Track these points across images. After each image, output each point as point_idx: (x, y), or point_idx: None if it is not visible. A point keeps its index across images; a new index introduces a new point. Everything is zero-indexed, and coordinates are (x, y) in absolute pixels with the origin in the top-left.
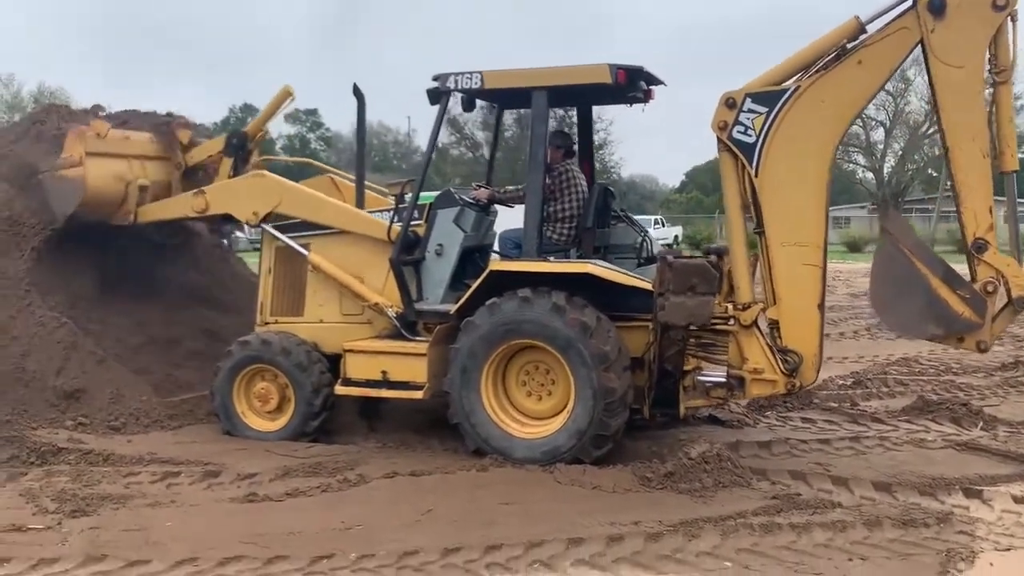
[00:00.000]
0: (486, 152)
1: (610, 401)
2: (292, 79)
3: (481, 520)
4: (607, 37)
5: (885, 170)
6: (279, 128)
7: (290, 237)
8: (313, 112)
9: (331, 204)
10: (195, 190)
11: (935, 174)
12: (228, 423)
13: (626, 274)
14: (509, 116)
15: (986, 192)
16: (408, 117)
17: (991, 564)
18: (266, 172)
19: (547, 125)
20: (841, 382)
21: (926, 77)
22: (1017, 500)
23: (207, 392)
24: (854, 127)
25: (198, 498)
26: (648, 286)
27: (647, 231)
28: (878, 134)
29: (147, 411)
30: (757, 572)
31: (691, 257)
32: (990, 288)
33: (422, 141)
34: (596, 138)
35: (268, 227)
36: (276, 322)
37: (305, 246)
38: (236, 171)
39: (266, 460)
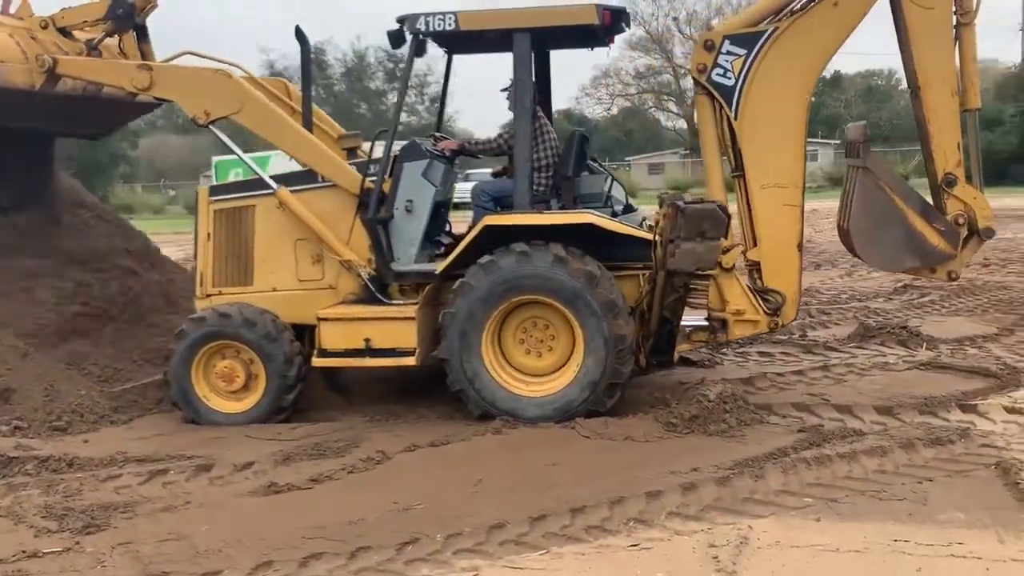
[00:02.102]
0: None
1: (621, 348)
2: None
3: (538, 484)
4: None
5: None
6: None
7: (234, 197)
8: None
9: (299, 133)
10: (140, 62)
11: None
12: (190, 410)
13: (623, 223)
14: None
15: (954, 129)
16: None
17: None
18: (231, 73)
19: (531, 70)
20: None
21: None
22: (1009, 411)
23: (153, 378)
24: (665, 76)
25: (212, 496)
26: (646, 235)
27: (613, 179)
28: (688, 82)
29: (90, 406)
30: (846, 504)
31: (701, 202)
32: (960, 220)
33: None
34: (429, 92)
35: (217, 131)
36: (220, 294)
37: (252, 207)
38: (144, 55)
39: (255, 446)
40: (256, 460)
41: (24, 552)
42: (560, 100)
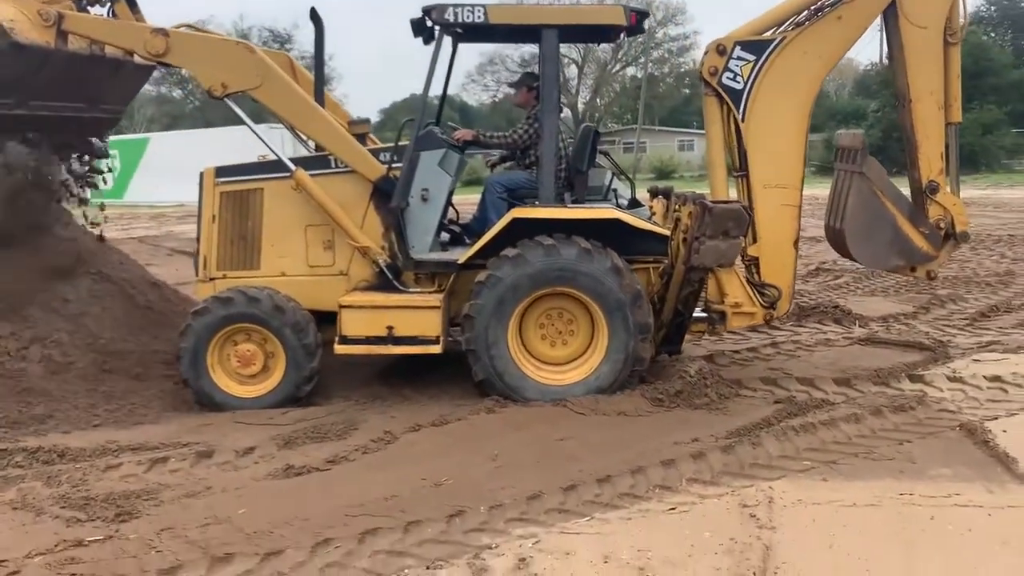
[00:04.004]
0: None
1: (636, 369)
2: None
3: (556, 457)
4: None
5: (579, 105)
6: None
7: (241, 179)
8: None
9: (322, 115)
10: (156, 26)
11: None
12: (198, 389)
13: (645, 220)
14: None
15: (939, 140)
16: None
17: (1004, 431)
18: (255, 47)
19: (558, 64)
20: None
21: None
22: (951, 380)
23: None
24: None
25: (230, 480)
26: (664, 231)
27: (614, 174)
28: (571, 71)
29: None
30: (844, 465)
31: (727, 202)
32: (942, 224)
33: None
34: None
35: (233, 104)
36: (224, 277)
37: (260, 190)
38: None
39: (249, 432)
40: (257, 445)
41: (67, 541)
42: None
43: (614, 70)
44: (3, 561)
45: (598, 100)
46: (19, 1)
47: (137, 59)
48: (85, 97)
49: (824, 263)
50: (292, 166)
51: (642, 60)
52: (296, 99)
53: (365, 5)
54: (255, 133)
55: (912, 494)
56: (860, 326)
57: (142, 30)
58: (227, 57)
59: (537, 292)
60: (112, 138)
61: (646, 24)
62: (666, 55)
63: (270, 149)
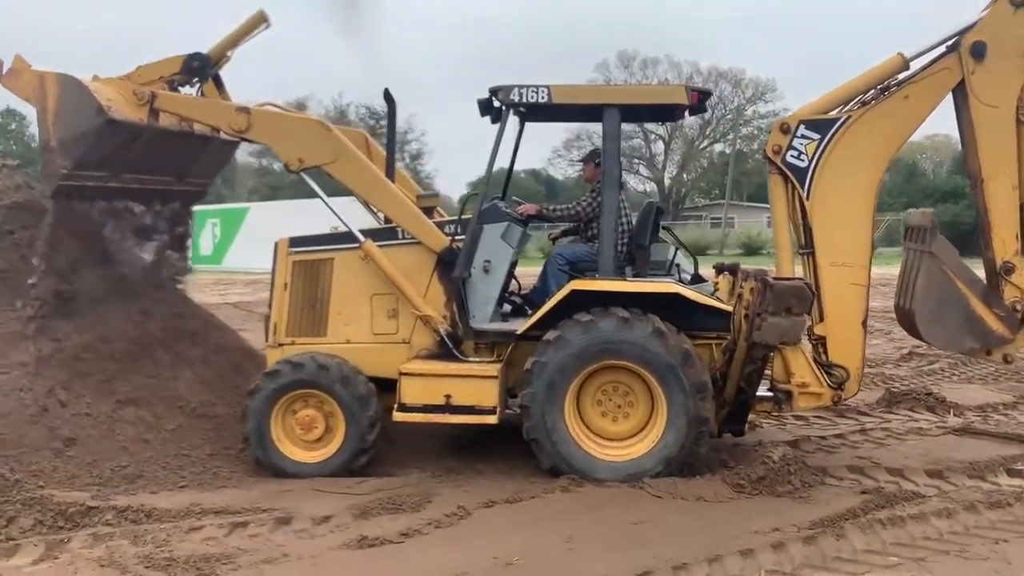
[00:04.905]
0: None
1: (702, 430)
2: None
3: (630, 542)
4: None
5: (666, 180)
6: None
7: (313, 249)
8: None
9: (392, 190)
10: (239, 104)
11: (703, 185)
12: (260, 450)
13: (705, 294)
14: None
15: (1013, 220)
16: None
17: None
18: (331, 125)
19: (619, 142)
20: None
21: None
22: None
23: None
24: (636, 140)
25: (307, 548)
26: (726, 307)
27: (681, 249)
28: (658, 147)
29: (156, 457)
30: (934, 563)
31: (789, 278)
32: (1018, 306)
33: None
34: (411, 148)
35: (308, 179)
36: (292, 343)
37: (331, 259)
38: None
39: (327, 500)
40: (334, 514)
41: None
42: (532, 160)
43: (701, 146)
44: None
45: (685, 175)
46: (118, 84)
47: (223, 135)
48: (174, 171)
49: (918, 347)
50: (361, 237)
51: (730, 137)
52: (367, 175)
53: (454, 81)
54: (327, 205)
55: None
56: (955, 415)
57: (227, 108)
58: (304, 134)
59: (585, 369)
60: (214, 207)
61: (708, 104)
62: (755, 132)
63: (341, 220)
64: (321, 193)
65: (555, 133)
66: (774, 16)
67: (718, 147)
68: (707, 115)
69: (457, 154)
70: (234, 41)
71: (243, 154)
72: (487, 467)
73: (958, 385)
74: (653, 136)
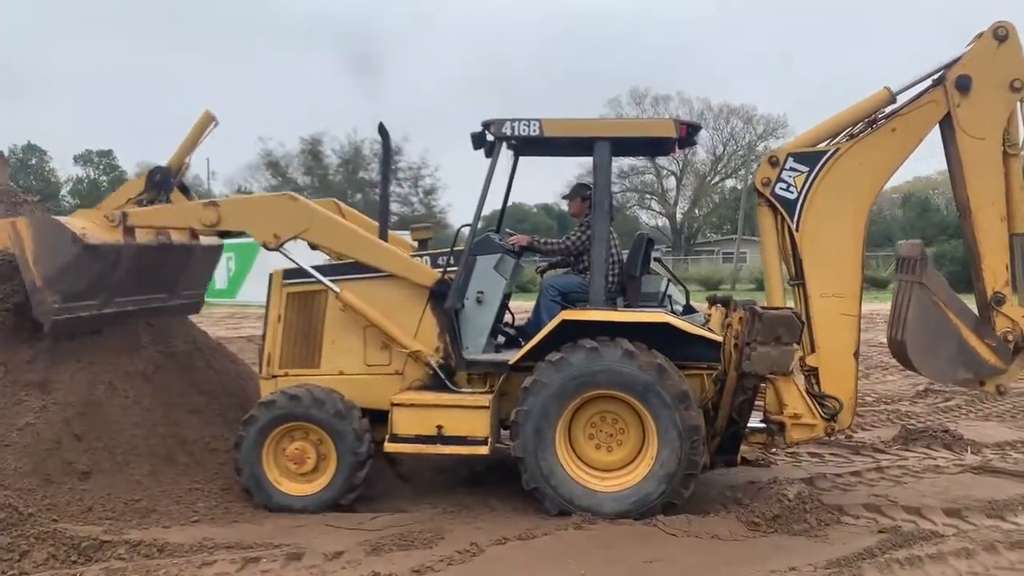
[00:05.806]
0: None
1: (695, 438)
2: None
3: None
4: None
5: (678, 215)
6: (68, 171)
7: (306, 281)
8: (107, 153)
9: (369, 241)
10: (206, 200)
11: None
12: (262, 495)
13: (696, 324)
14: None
15: (1003, 251)
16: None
17: None
18: (296, 195)
19: (610, 175)
20: None
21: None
22: None
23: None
24: (648, 176)
25: None
26: (716, 337)
27: (673, 281)
28: (670, 182)
29: (168, 491)
30: None
31: (778, 308)
32: (1010, 337)
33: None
34: (424, 183)
35: (285, 253)
36: (286, 375)
37: (324, 291)
38: None
39: (339, 536)
40: (346, 549)
41: None
42: (545, 195)
43: (713, 182)
44: None
45: (696, 211)
46: (88, 214)
47: (203, 240)
48: (165, 286)
49: (933, 383)
50: (336, 289)
51: (742, 172)
52: (342, 233)
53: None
54: (311, 272)
55: None
56: (972, 453)
57: (194, 207)
58: (273, 210)
59: (568, 406)
60: (229, 241)
61: (697, 138)
62: None
63: (320, 280)
64: (299, 263)
65: (568, 168)
66: (784, 54)
67: (729, 182)
68: (719, 151)
69: (474, 187)
70: (189, 147)
71: (259, 189)
72: (500, 503)
73: (974, 422)
74: (665, 172)
